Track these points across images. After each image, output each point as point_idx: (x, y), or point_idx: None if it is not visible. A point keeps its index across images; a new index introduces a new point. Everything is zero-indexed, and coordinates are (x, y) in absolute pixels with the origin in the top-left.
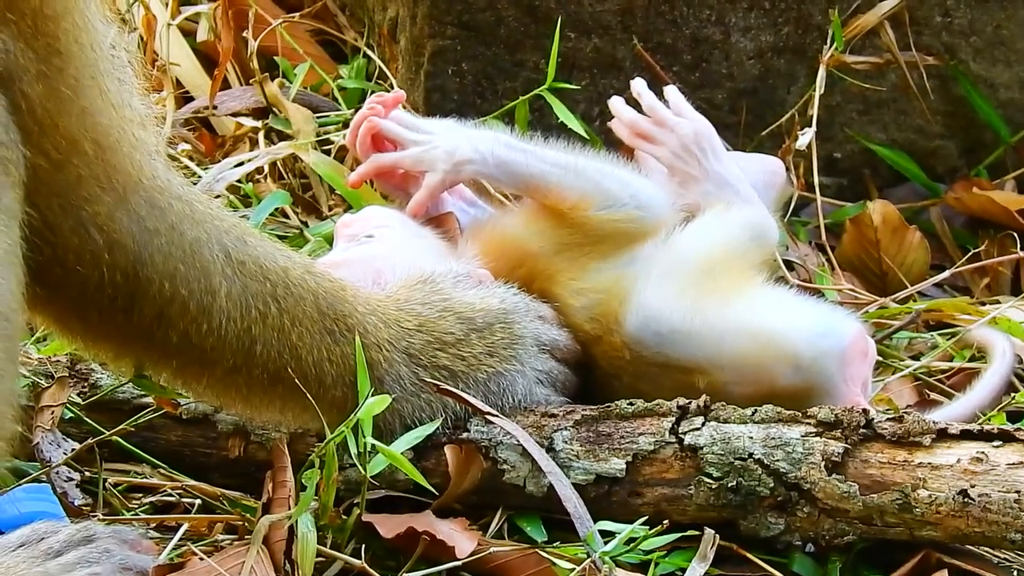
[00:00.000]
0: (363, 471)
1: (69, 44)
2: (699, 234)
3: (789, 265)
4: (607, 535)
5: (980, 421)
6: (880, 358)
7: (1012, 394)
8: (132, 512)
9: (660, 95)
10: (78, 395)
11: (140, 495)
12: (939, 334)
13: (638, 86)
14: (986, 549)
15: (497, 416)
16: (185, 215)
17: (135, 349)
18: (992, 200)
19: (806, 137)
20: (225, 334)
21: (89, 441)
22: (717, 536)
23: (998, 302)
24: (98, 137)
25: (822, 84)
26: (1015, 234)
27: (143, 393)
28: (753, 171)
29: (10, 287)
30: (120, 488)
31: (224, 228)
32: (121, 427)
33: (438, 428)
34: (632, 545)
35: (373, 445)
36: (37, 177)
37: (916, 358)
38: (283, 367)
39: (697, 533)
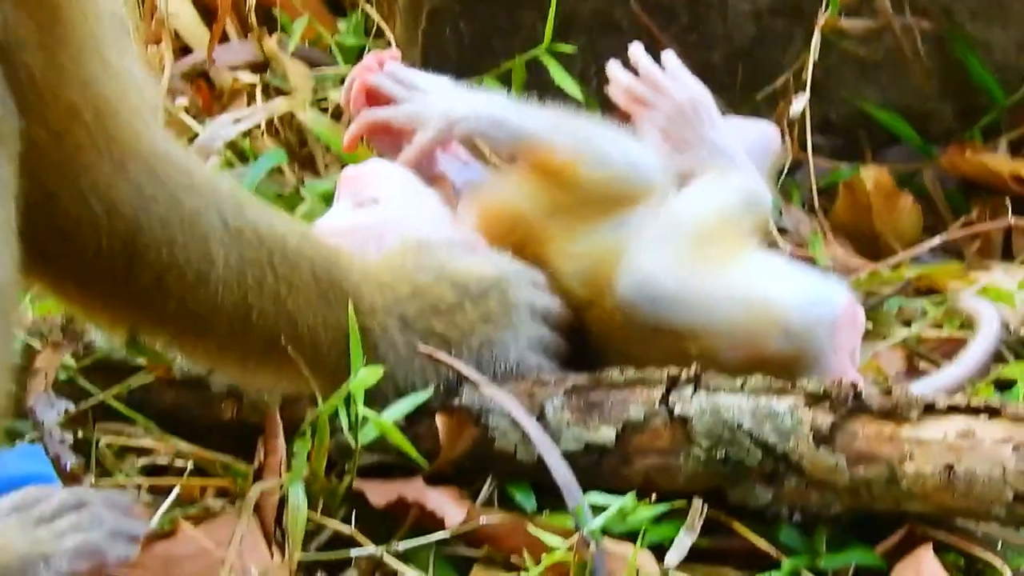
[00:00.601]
0: (354, 443)
1: (72, 12)
2: (693, 199)
3: (782, 231)
4: (597, 509)
5: (968, 393)
6: (870, 325)
7: (999, 364)
8: (124, 474)
9: (657, 57)
10: (72, 355)
11: (132, 456)
12: (929, 301)
13: (636, 51)
14: (972, 522)
15: (489, 386)
16: (184, 183)
17: (132, 316)
18: (985, 165)
19: (799, 104)
20: (222, 301)
21: (84, 405)
22: (705, 506)
23: (988, 268)
24: (99, 105)
25: (816, 50)
26: (1007, 199)
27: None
28: (748, 137)
29: (5, 261)
30: (112, 449)
31: (222, 196)
32: (115, 389)
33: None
34: (622, 517)
35: (365, 415)
36: (36, 147)
37: (907, 324)
38: (279, 333)
39: (685, 505)
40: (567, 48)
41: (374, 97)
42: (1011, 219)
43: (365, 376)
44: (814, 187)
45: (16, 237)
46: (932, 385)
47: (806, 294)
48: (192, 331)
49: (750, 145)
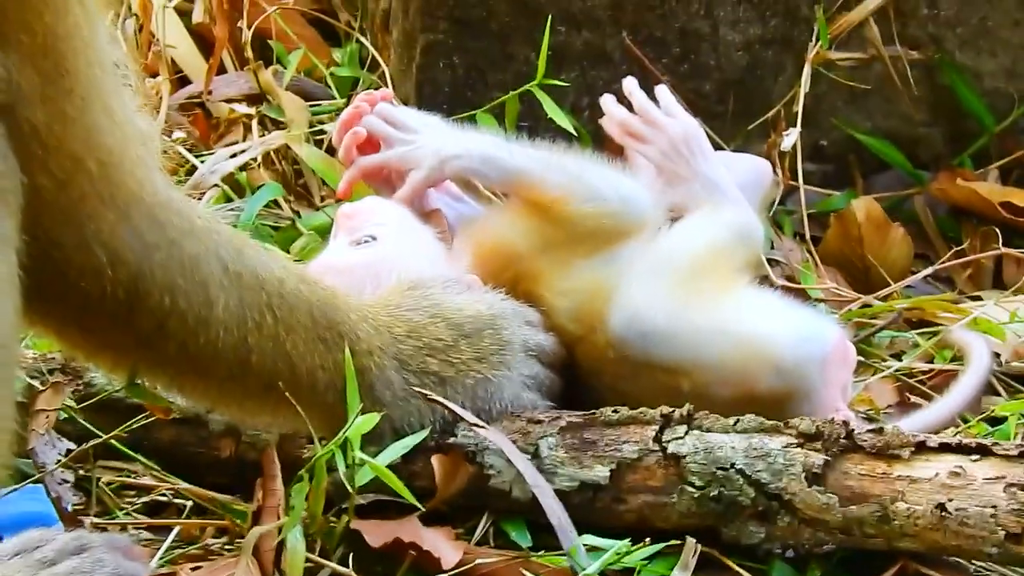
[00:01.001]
0: (351, 488)
1: (78, 63)
2: (685, 235)
3: (773, 262)
4: (592, 549)
5: (959, 429)
6: (862, 358)
7: (992, 396)
8: (124, 512)
9: (649, 89)
10: (72, 393)
11: (133, 493)
12: (920, 333)
13: (630, 85)
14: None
15: (484, 427)
16: (184, 230)
17: (133, 358)
18: (976, 192)
19: (790, 139)
20: (222, 344)
21: (85, 446)
22: (699, 545)
23: (980, 297)
24: (102, 156)
25: (807, 83)
26: (997, 229)
27: None
28: (741, 171)
29: (7, 317)
30: (112, 487)
31: (222, 241)
32: (117, 431)
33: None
34: (617, 559)
35: (362, 459)
36: (41, 197)
37: (898, 357)
38: (277, 375)
39: (679, 543)
40: (559, 83)
41: (365, 140)
42: (1002, 248)
43: (361, 424)
44: (805, 218)
45: (18, 291)
46: (923, 420)
47: (797, 331)
48: (192, 373)
49: (742, 179)
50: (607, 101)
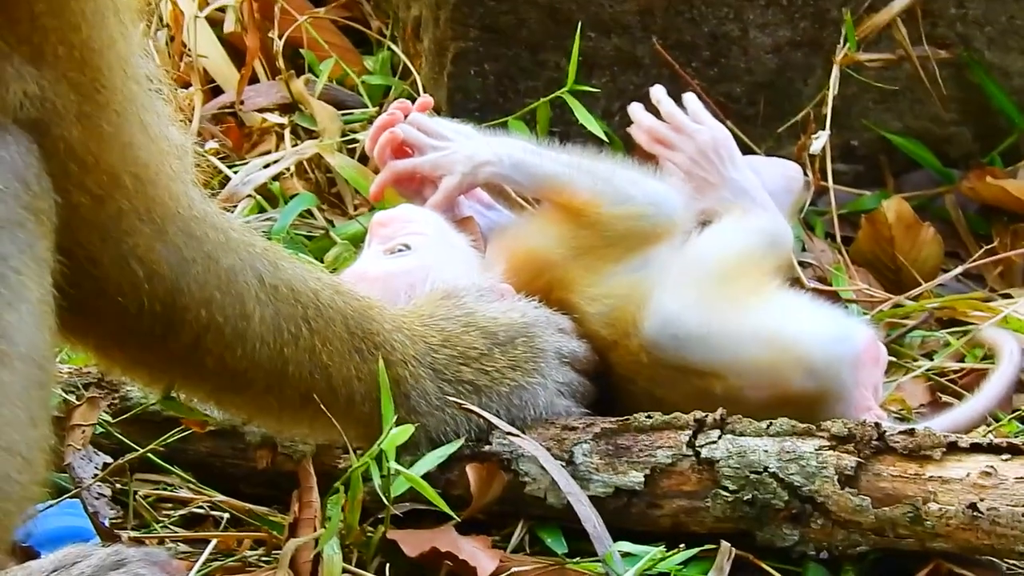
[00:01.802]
0: (386, 500)
1: (114, 78)
2: (716, 239)
3: (804, 264)
4: (627, 555)
5: (990, 428)
6: (893, 358)
7: (1022, 395)
8: (161, 525)
9: (679, 93)
10: (108, 407)
11: (170, 506)
12: (951, 332)
13: (657, 93)
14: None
15: (518, 435)
16: (220, 243)
17: (171, 373)
18: (1005, 190)
19: (820, 141)
20: (258, 357)
21: (122, 460)
22: (733, 549)
23: (1010, 295)
24: (138, 171)
25: (835, 85)
26: None
27: None
28: (771, 176)
29: (43, 336)
30: (149, 500)
31: (257, 254)
32: (153, 445)
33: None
34: (652, 564)
35: (397, 470)
36: (78, 214)
37: (929, 357)
38: (313, 386)
39: (714, 547)
40: (590, 88)
41: (398, 147)
42: None
43: (396, 434)
44: (836, 219)
45: (52, 310)
46: (954, 419)
47: (827, 332)
48: (229, 387)
49: (772, 184)
50: (635, 109)
